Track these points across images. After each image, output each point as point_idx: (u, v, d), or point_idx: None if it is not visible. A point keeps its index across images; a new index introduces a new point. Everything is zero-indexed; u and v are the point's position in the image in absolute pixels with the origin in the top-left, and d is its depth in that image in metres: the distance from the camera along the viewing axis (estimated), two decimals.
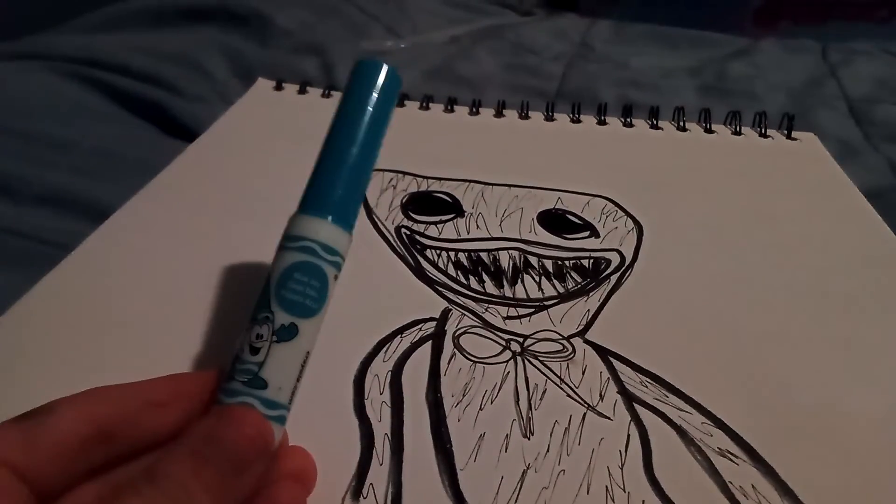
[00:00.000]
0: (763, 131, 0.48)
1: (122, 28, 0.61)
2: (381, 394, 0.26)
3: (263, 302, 0.22)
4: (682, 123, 0.48)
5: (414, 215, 0.37)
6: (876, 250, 0.36)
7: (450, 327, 0.30)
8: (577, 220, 0.37)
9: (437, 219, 0.37)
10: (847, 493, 0.23)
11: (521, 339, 0.29)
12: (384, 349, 0.28)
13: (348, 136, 0.25)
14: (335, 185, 0.24)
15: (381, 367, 0.28)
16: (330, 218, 0.23)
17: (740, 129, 0.48)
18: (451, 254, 0.34)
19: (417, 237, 0.35)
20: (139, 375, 0.26)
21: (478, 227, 0.36)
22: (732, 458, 0.24)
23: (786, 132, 0.48)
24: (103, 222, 0.35)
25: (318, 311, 0.23)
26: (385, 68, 0.26)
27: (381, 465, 0.24)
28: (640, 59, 0.64)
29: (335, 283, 0.24)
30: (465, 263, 0.34)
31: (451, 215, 0.37)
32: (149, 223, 0.35)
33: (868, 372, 0.28)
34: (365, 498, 0.23)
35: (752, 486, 0.23)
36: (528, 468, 0.24)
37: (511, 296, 0.32)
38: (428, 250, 0.35)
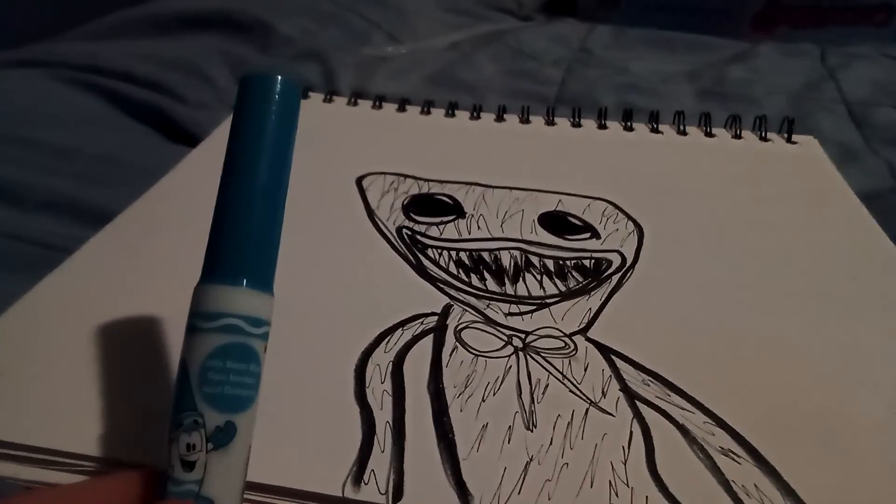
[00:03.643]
0: (763, 135, 0.48)
1: (124, 35, 0.61)
2: (382, 383, 0.26)
3: (185, 400, 0.19)
4: (682, 127, 0.48)
5: (415, 216, 0.37)
6: (871, 254, 0.36)
7: (451, 322, 0.30)
8: (577, 222, 0.37)
9: (438, 220, 0.37)
10: (849, 495, 0.23)
11: (522, 335, 0.29)
12: (385, 340, 0.28)
13: (249, 172, 0.21)
14: (244, 239, 0.21)
15: (383, 358, 0.28)
16: (245, 282, 0.20)
17: (740, 132, 0.48)
18: (453, 253, 0.34)
19: (418, 237, 0.36)
20: (137, 379, 0.26)
21: (479, 227, 0.37)
22: (735, 457, 0.24)
23: (786, 136, 0.48)
24: None
25: (255, 398, 0.20)
26: (279, 81, 0.21)
27: (382, 452, 0.24)
28: (639, 64, 0.64)
29: (265, 355, 0.20)
30: (467, 262, 0.34)
31: (452, 216, 0.37)
32: (150, 227, 0.35)
33: (867, 373, 0.28)
34: (366, 484, 0.22)
35: (755, 485, 0.23)
36: (531, 460, 0.24)
37: (512, 293, 0.32)
38: (429, 249, 0.35)
